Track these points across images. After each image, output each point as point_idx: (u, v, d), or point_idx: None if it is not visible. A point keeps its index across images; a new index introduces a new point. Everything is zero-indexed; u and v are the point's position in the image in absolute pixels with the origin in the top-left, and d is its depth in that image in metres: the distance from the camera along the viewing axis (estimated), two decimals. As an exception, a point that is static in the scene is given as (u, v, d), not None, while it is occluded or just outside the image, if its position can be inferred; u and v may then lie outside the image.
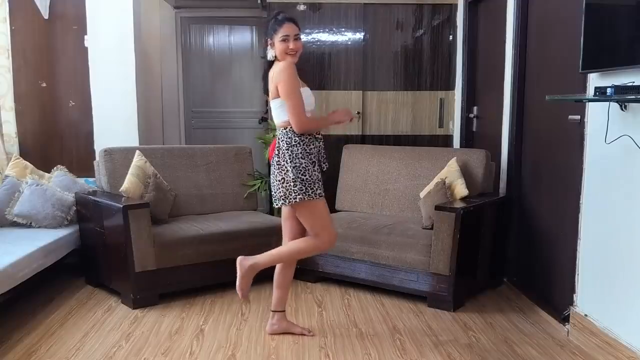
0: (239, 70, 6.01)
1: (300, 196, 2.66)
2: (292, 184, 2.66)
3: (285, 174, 2.68)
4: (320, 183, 2.72)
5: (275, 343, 2.85)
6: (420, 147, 4.41)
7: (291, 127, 2.68)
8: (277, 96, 2.71)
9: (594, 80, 2.70)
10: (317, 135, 2.77)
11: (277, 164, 2.72)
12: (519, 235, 3.72)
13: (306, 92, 2.75)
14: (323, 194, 2.73)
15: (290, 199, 2.67)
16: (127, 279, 3.31)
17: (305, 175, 2.66)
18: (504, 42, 3.81)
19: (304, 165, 2.67)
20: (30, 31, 4.31)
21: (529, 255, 3.56)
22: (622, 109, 2.46)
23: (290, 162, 2.66)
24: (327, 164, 2.83)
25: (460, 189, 3.58)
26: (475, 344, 2.87)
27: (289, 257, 2.86)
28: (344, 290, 3.69)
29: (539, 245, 3.43)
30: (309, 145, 2.72)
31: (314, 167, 2.70)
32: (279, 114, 2.75)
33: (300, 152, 2.69)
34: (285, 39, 2.67)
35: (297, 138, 2.70)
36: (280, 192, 2.70)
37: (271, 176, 2.78)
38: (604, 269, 2.68)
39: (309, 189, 2.66)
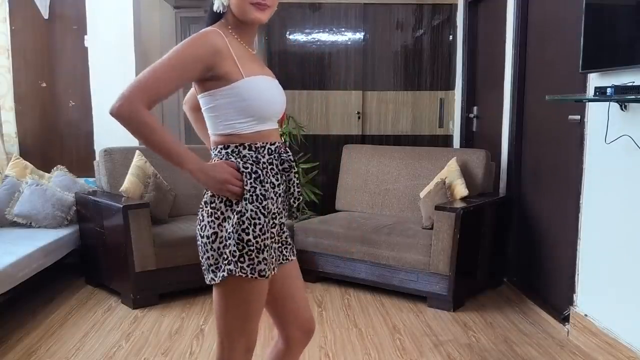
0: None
1: (231, 267, 1.50)
2: (228, 242, 1.50)
3: (219, 224, 1.51)
4: (267, 249, 1.52)
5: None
6: (420, 147, 4.41)
7: (234, 145, 1.53)
8: (204, 90, 1.53)
9: (594, 80, 2.70)
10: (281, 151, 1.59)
11: (208, 207, 1.53)
12: (519, 235, 3.72)
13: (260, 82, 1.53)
14: (266, 272, 1.52)
15: (221, 269, 1.53)
16: (127, 279, 3.30)
17: (248, 233, 1.49)
18: (504, 42, 3.81)
19: (245, 211, 1.49)
20: (30, 31, 4.30)
21: (529, 255, 3.56)
22: (622, 109, 2.46)
23: (233, 204, 1.51)
24: (299, 197, 1.64)
25: (460, 189, 3.58)
26: (475, 344, 2.87)
27: None
28: (344, 290, 3.69)
29: (539, 245, 3.43)
30: (269, 169, 1.56)
31: (263, 217, 1.51)
32: (210, 120, 1.56)
33: (259, 184, 1.52)
34: None
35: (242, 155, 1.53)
36: (209, 256, 1.54)
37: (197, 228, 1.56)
38: (604, 269, 2.68)
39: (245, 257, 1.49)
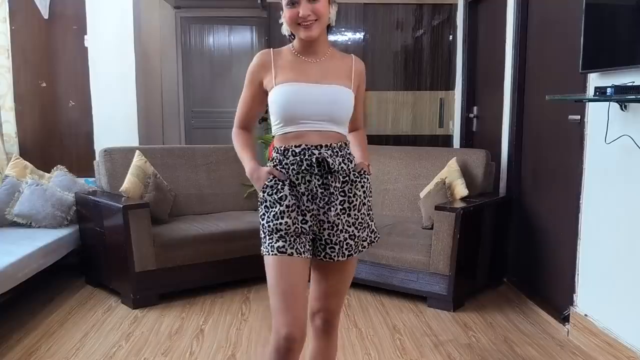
0: (239, 70, 6.01)
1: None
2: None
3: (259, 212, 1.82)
4: (282, 233, 1.70)
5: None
6: (420, 147, 4.41)
7: (274, 150, 1.82)
8: None
9: (594, 80, 2.70)
10: (305, 147, 1.72)
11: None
12: (519, 235, 3.72)
13: (278, 91, 1.74)
14: (286, 248, 1.69)
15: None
16: (127, 279, 3.31)
17: (263, 218, 1.75)
18: (504, 42, 3.81)
19: (263, 200, 1.76)
20: (30, 31, 4.31)
21: (529, 255, 3.56)
22: (622, 109, 2.46)
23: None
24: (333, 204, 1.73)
25: (460, 189, 3.58)
26: (475, 344, 2.87)
27: None
28: (344, 290, 3.69)
29: (539, 245, 3.43)
30: (284, 166, 1.74)
31: (279, 206, 1.71)
32: None
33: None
34: (293, 2, 1.72)
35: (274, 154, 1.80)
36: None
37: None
38: (604, 269, 2.68)
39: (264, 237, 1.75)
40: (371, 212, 1.84)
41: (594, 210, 2.77)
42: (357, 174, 1.78)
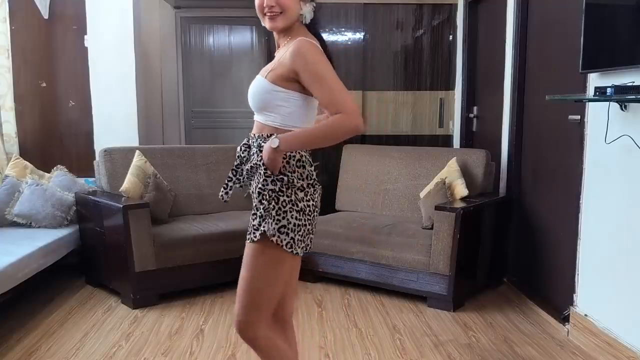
0: (239, 70, 6.01)
1: None
2: None
3: None
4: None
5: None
6: (420, 147, 4.41)
7: None
8: None
9: (594, 80, 2.70)
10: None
11: None
12: (519, 235, 3.72)
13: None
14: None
15: None
16: (127, 279, 3.31)
17: None
18: (504, 42, 3.81)
19: None
20: (30, 31, 4.31)
21: (529, 255, 3.56)
22: (622, 109, 2.46)
23: None
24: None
25: (460, 189, 3.58)
26: (475, 344, 2.87)
27: None
28: (344, 290, 3.69)
29: (539, 245, 3.43)
30: None
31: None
32: None
33: None
34: None
35: None
36: None
37: None
38: (604, 269, 2.68)
39: None
40: (270, 208, 1.70)
41: (594, 210, 2.77)
42: (252, 165, 1.78)
